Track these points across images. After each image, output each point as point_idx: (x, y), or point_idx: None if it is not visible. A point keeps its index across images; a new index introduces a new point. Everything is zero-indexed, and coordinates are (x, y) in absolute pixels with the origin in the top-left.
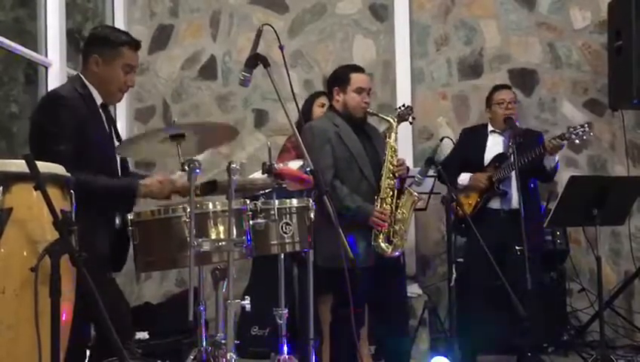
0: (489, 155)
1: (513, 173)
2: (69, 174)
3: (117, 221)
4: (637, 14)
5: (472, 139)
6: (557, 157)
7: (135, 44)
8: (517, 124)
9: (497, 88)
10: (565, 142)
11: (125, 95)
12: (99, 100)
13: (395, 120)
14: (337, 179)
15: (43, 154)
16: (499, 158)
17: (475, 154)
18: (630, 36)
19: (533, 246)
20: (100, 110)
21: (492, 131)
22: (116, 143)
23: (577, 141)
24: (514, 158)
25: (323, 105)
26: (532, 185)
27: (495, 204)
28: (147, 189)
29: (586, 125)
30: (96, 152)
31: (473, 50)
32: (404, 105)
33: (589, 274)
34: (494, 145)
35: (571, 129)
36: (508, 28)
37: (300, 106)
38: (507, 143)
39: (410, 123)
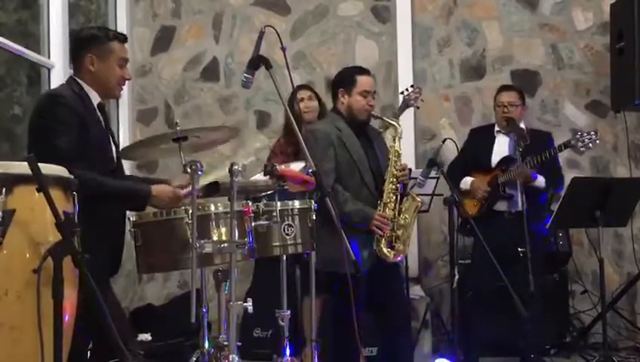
0: (496, 156)
1: None
2: (71, 176)
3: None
4: (639, 15)
5: (479, 140)
6: (542, 183)
7: (123, 38)
8: (522, 125)
9: (500, 89)
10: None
11: (127, 97)
12: (95, 100)
13: (400, 125)
14: (338, 184)
15: (43, 153)
16: (505, 161)
17: (482, 155)
18: (633, 37)
19: (536, 247)
20: (97, 110)
21: (498, 132)
22: (112, 145)
23: (583, 148)
24: (520, 162)
25: (302, 100)
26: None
27: (501, 206)
28: (156, 200)
29: (593, 133)
30: (95, 152)
31: (475, 52)
32: (412, 86)
33: (591, 275)
34: (501, 145)
35: (578, 135)
36: (510, 29)
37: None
38: (513, 145)
39: (418, 107)
